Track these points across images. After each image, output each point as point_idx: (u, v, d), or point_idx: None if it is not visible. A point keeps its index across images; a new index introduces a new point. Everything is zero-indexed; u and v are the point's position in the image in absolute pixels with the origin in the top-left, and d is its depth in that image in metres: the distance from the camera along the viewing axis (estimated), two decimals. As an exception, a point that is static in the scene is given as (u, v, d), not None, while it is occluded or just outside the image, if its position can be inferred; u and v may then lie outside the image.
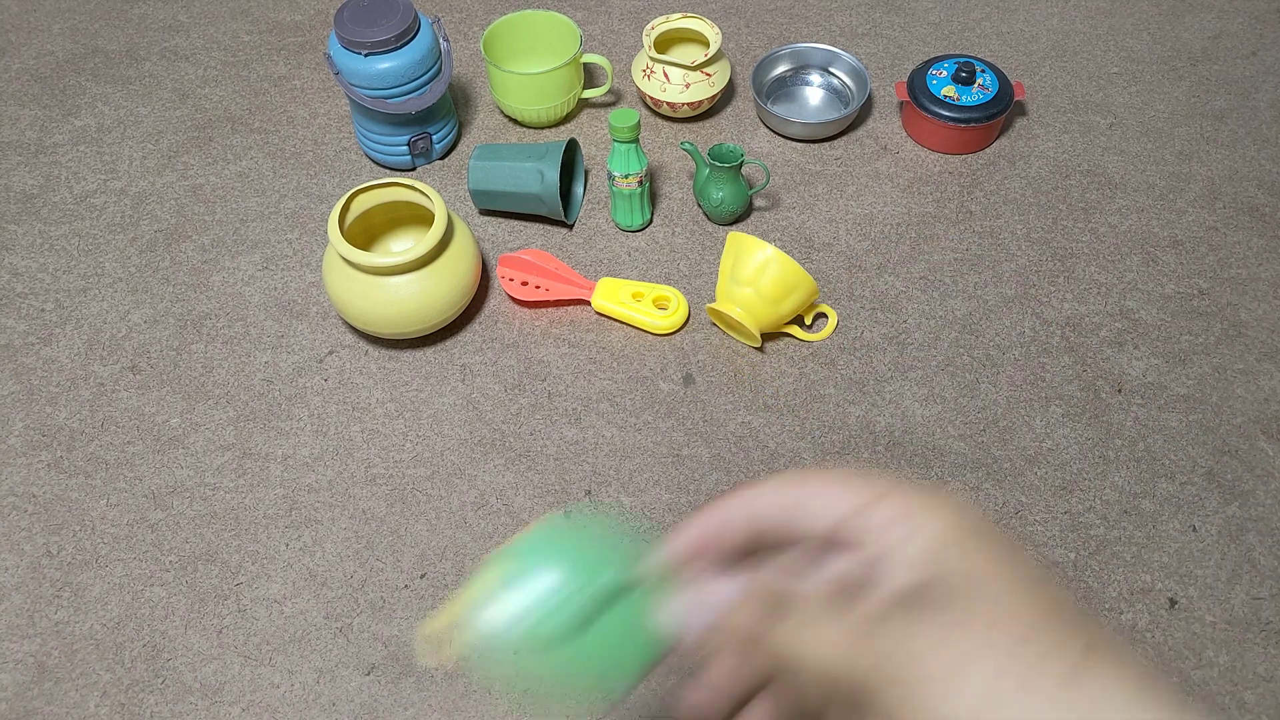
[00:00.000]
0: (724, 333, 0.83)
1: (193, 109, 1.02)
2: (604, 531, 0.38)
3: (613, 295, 0.83)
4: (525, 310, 0.85)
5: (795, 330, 0.82)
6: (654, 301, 0.83)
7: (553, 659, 0.38)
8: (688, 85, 0.93)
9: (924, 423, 0.77)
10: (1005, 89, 0.93)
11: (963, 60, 0.94)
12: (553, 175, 0.84)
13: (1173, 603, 0.69)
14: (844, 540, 0.36)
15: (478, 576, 0.37)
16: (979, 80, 0.93)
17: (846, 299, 0.85)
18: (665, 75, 0.93)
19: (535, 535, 0.38)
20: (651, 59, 0.93)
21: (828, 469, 0.37)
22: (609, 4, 1.11)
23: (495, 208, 0.90)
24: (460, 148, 0.97)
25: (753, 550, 0.39)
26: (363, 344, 0.83)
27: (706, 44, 0.96)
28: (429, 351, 0.83)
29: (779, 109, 0.99)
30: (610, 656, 0.37)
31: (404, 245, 0.88)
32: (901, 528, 0.36)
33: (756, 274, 0.76)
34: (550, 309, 0.85)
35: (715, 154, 0.85)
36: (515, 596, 0.37)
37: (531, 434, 0.77)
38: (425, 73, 0.87)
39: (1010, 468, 0.74)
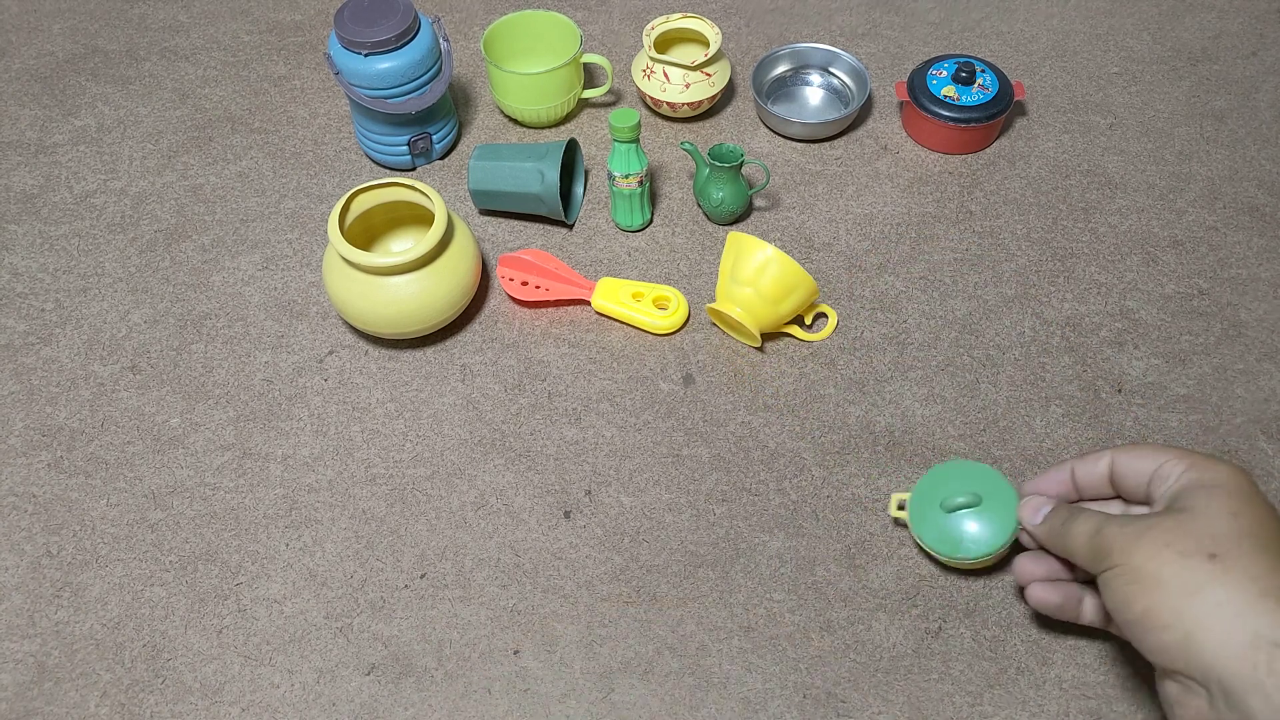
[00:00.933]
0: (724, 333, 0.83)
1: (193, 109, 1.02)
2: (988, 471, 0.67)
3: (613, 295, 0.83)
4: (525, 310, 0.85)
5: (795, 330, 0.82)
6: (654, 301, 0.83)
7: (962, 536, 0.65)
8: (688, 85, 0.93)
9: (924, 423, 0.77)
10: (1005, 89, 0.93)
11: (963, 60, 0.94)
12: (553, 175, 0.84)
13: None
14: (1148, 495, 0.56)
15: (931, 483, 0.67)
16: (979, 80, 0.93)
17: (846, 299, 0.85)
18: (665, 75, 0.93)
19: (952, 467, 0.68)
20: (651, 59, 0.93)
21: (1140, 444, 0.60)
22: (609, 4, 1.11)
23: (495, 208, 0.90)
24: (460, 148, 0.97)
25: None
26: (363, 344, 0.83)
27: (706, 44, 0.96)
28: (429, 351, 0.83)
29: (779, 109, 0.99)
30: (996, 536, 0.64)
31: (404, 245, 0.88)
32: (1176, 467, 0.54)
33: (756, 274, 0.76)
34: (550, 309, 0.85)
35: (715, 154, 0.85)
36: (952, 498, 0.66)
37: (531, 434, 0.77)
38: (425, 73, 0.87)
39: (1010, 468, 0.74)
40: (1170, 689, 0.50)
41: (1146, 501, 0.57)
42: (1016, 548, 0.65)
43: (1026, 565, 0.62)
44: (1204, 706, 0.48)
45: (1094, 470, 0.59)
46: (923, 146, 0.96)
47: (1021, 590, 0.65)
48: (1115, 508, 0.60)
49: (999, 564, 0.69)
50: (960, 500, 0.65)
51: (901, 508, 0.69)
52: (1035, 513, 0.60)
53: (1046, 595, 0.60)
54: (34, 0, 1.15)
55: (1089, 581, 0.60)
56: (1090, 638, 0.66)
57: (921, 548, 0.68)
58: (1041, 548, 0.61)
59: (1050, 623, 0.67)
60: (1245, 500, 0.51)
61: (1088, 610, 0.60)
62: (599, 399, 0.79)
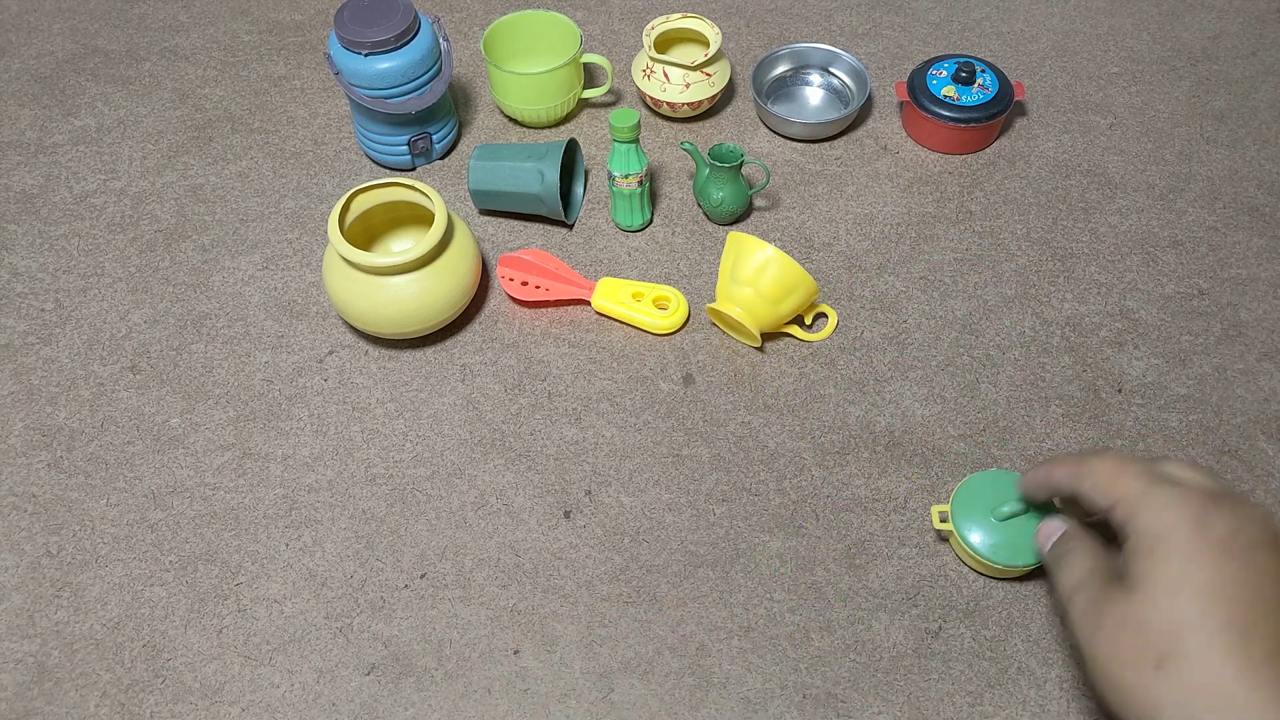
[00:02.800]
0: (724, 333, 0.83)
1: (193, 109, 1.02)
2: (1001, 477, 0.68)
3: (613, 295, 0.83)
4: (525, 310, 0.85)
5: (795, 330, 0.82)
6: (654, 301, 0.83)
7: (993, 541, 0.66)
8: (688, 85, 0.93)
9: (924, 423, 0.77)
10: (1005, 89, 0.93)
11: (963, 60, 0.94)
12: (553, 175, 0.84)
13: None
14: (1118, 519, 0.49)
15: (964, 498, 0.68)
16: (979, 80, 0.93)
17: (846, 299, 0.85)
18: (665, 75, 0.93)
19: (979, 479, 0.69)
20: (651, 59, 0.93)
21: (1118, 455, 0.52)
22: (609, 4, 1.11)
23: (495, 208, 0.90)
24: (460, 148, 0.97)
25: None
26: (363, 344, 0.83)
27: (706, 44, 0.96)
28: (429, 351, 0.83)
29: (779, 109, 0.99)
30: (1020, 541, 0.65)
31: (404, 245, 0.88)
32: (1124, 512, 0.49)
33: (756, 274, 0.76)
34: (550, 309, 0.85)
35: (715, 154, 0.85)
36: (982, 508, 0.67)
37: (531, 434, 0.77)
38: (425, 73, 0.87)
39: (1010, 468, 0.74)
40: None
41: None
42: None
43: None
44: None
45: (1065, 489, 0.55)
46: (923, 146, 0.96)
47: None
48: None
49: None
50: (1010, 509, 0.64)
51: (944, 520, 0.69)
52: (1046, 540, 0.57)
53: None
54: (34, 0, 1.15)
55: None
56: (1090, 638, 0.66)
57: (968, 558, 0.67)
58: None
59: (1051, 623, 0.67)
60: (1202, 554, 0.44)
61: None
62: (599, 399, 0.79)
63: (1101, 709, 0.47)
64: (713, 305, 0.79)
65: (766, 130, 0.98)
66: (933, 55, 1.04)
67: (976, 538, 0.66)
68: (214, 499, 0.75)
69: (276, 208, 0.93)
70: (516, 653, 0.67)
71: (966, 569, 0.70)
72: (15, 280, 0.89)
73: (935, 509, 0.69)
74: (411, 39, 0.85)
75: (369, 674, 0.67)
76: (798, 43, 1.02)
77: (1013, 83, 0.94)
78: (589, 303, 0.84)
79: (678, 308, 0.82)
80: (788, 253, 0.86)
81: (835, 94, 1.00)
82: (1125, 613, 0.45)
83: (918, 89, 0.93)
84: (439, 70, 0.89)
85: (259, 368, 0.82)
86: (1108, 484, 0.49)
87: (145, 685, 0.66)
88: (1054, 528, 0.57)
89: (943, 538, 0.71)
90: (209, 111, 1.02)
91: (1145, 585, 0.45)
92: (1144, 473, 0.49)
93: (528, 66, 0.99)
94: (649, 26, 0.94)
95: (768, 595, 0.69)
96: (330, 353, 0.83)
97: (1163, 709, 0.43)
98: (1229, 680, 0.42)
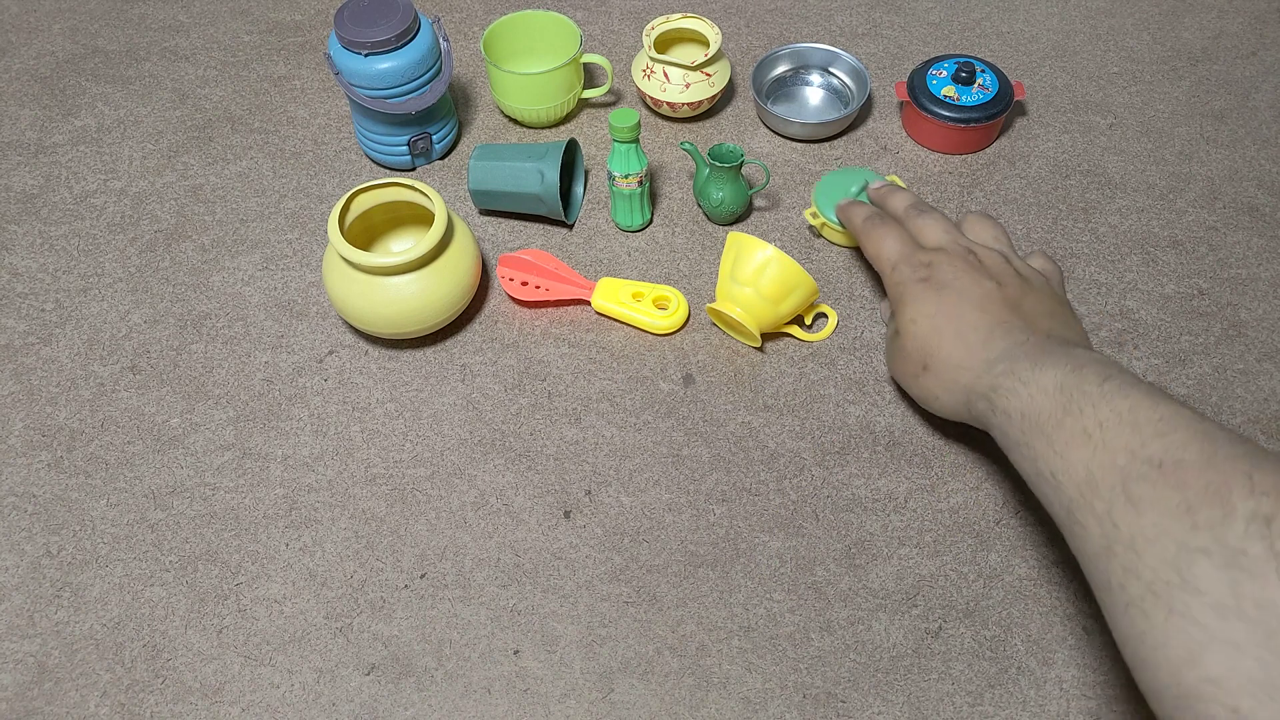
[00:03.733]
0: (724, 333, 0.83)
1: (193, 109, 1.02)
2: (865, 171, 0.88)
3: (613, 295, 0.83)
4: (525, 310, 0.85)
5: (795, 330, 0.82)
6: (654, 301, 0.83)
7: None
8: (688, 85, 0.93)
9: (924, 423, 0.77)
10: (1005, 89, 0.93)
11: (963, 60, 0.94)
12: (553, 175, 0.84)
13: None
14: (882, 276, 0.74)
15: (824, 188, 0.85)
16: (979, 80, 0.93)
17: (846, 299, 0.85)
18: (665, 75, 0.93)
19: (834, 175, 0.88)
20: (651, 59, 0.93)
21: (886, 229, 0.74)
22: (609, 4, 1.11)
23: (495, 208, 0.90)
24: (460, 148, 0.97)
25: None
26: (363, 344, 0.83)
27: (706, 44, 0.96)
28: (429, 351, 0.83)
29: (779, 109, 0.99)
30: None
31: (404, 245, 0.88)
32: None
33: (756, 274, 0.76)
34: (550, 309, 0.85)
35: (715, 154, 0.85)
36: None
37: (531, 434, 0.77)
38: (425, 73, 0.87)
39: (1011, 468, 0.74)
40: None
41: None
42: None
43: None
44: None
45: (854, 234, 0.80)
46: (923, 146, 0.96)
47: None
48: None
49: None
50: (857, 189, 0.85)
51: (814, 216, 0.87)
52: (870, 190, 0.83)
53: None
54: (34, 0, 1.15)
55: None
56: (1090, 637, 0.66)
57: (838, 235, 0.87)
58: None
59: (1051, 623, 0.67)
60: (926, 297, 0.68)
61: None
62: (599, 399, 0.79)
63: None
64: (713, 305, 0.79)
65: (766, 130, 0.98)
66: (933, 55, 1.04)
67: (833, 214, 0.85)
68: (214, 499, 0.75)
69: (276, 208, 0.93)
70: (516, 653, 0.67)
71: (967, 568, 0.70)
72: (15, 280, 0.89)
73: (806, 211, 0.87)
74: (411, 39, 0.85)
75: (369, 674, 0.67)
76: (798, 43, 1.02)
77: (1013, 83, 0.94)
78: (589, 303, 0.84)
79: (678, 308, 0.82)
80: (788, 253, 0.86)
81: (835, 94, 1.00)
82: (898, 346, 0.70)
83: (918, 89, 0.93)
84: (439, 70, 0.89)
85: (259, 368, 0.82)
86: (875, 251, 0.74)
87: (145, 685, 0.67)
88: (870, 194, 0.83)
89: (816, 233, 0.89)
90: (209, 111, 1.02)
91: (902, 328, 0.69)
92: (899, 250, 0.72)
93: (528, 66, 0.99)
94: (649, 26, 0.94)
95: (768, 595, 0.69)
96: (330, 353, 0.83)
97: (932, 392, 0.67)
98: (960, 360, 0.64)
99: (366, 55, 0.84)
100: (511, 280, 0.84)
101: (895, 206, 0.78)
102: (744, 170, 0.94)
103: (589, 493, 0.74)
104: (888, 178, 0.88)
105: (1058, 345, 0.60)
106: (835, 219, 0.84)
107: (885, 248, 0.73)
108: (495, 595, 0.70)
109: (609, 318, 0.84)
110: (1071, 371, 0.55)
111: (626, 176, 0.84)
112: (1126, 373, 0.55)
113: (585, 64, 1.02)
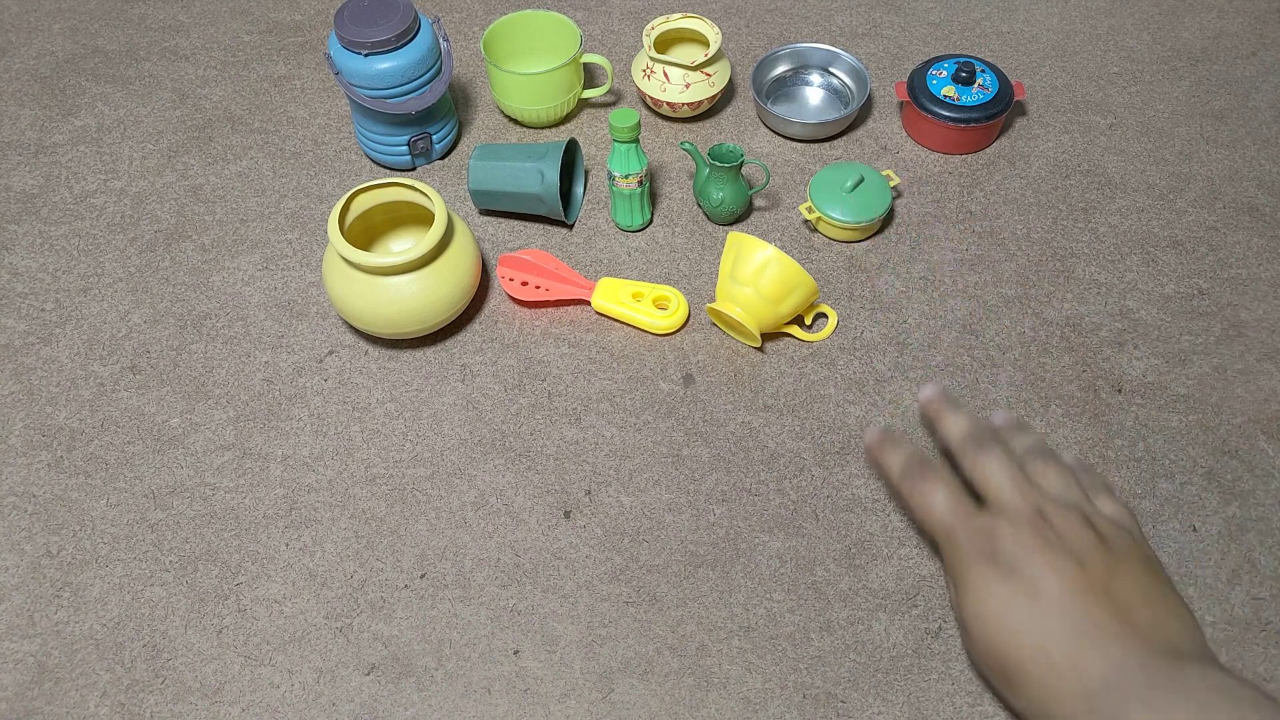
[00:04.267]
0: (724, 333, 0.83)
1: (193, 109, 1.02)
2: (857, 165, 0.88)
3: (613, 295, 0.83)
4: (525, 310, 0.85)
5: (795, 330, 0.82)
6: (654, 301, 0.83)
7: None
8: (688, 85, 0.93)
9: (923, 424, 0.77)
10: (1005, 89, 0.93)
11: (963, 60, 0.94)
12: (553, 175, 0.84)
13: (1173, 603, 0.69)
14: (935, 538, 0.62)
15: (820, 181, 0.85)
16: (979, 80, 0.93)
17: (846, 299, 0.85)
18: (665, 75, 0.93)
19: (830, 170, 0.88)
20: (651, 59, 0.93)
21: (939, 486, 0.62)
22: (609, 4, 1.11)
23: (495, 208, 0.90)
24: (460, 148, 0.97)
25: None
26: (363, 344, 0.83)
27: (706, 44, 0.96)
28: (429, 351, 0.83)
29: (779, 109, 0.99)
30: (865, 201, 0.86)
31: (404, 245, 0.88)
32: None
33: (756, 274, 0.76)
34: (550, 309, 0.85)
35: (715, 154, 0.85)
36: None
37: (531, 434, 0.77)
38: (425, 73, 0.87)
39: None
40: None
41: None
42: None
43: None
44: None
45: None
46: (923, 146, 0.96)
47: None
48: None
49: None
50: (852, 182, 0.84)
51: (810, 211, 0.87)
52: (928, 395, 0.69)
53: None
54: (34, 0, 1.15)
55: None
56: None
57: (835, 230, 0.87)
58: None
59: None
60: (992, 591, 0.57)
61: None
62: (599, 399, 0.79)
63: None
64: (713, 305, 0.79)
65: (766, 130, 0.98)
66: (933, 55, 1.04)
67: (836, 211, 0.85)
68: (214, 499, 0.75)
69: (276, 208, 0.93)
70: (516, 653, 0.67)
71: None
72: (15, 280, 0.89)
73: (801, 206, 0.87)
74: (411, 39, 0.85)
75: (369, 674, 0.67)
76: (798, 43, 1.02)
77: (1013, 83, 0.94)
78: (589, 303, 0.84)
79: (678, 308, 0.82)
80: (788, 253, 0.86)
81: (835, 94, 1.00)
82: (969, 643, 0.59)
83: (918, 89, 0.93)
84: (439, 70, 0.89)
85: (259, 368, 0.82)
86: (923, 514, 0.62)
87: (145, 685, 0.67)
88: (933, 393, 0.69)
89: (812, 228, 0.89)
90: (209, 111, 1.02)
91: (969, 624, 0.58)
92: (953, 511, 0.60)
93: (528, 66, 0.99)
94: (649, 26, 0.94)
95: (768, 595, 0.69)
96: (330, 353, 0.83)
97: (1031, 713, 0.55)
98: (1048, 682, 0.53)
99: (366, 55, 0.84)
100: (511, 280, 0.84)
101: (950, 434, 0.65)
102: (744, 170, 0.94)
103: (589, 493, 0.74)
104: (884, 174, 0.88)
105: (1169, 672, 0.50)
106: (831, 213, 0.85)
107: (935, 507, 0.60)
108: (495, 595, 0.70)
109: (609, 318, 0.84)
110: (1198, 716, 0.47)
111: (626, 176, 0.84)
112: (1266, 703, 0.47)
113: (585, 64, 1.02)
